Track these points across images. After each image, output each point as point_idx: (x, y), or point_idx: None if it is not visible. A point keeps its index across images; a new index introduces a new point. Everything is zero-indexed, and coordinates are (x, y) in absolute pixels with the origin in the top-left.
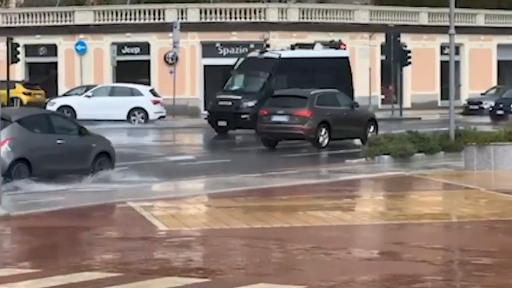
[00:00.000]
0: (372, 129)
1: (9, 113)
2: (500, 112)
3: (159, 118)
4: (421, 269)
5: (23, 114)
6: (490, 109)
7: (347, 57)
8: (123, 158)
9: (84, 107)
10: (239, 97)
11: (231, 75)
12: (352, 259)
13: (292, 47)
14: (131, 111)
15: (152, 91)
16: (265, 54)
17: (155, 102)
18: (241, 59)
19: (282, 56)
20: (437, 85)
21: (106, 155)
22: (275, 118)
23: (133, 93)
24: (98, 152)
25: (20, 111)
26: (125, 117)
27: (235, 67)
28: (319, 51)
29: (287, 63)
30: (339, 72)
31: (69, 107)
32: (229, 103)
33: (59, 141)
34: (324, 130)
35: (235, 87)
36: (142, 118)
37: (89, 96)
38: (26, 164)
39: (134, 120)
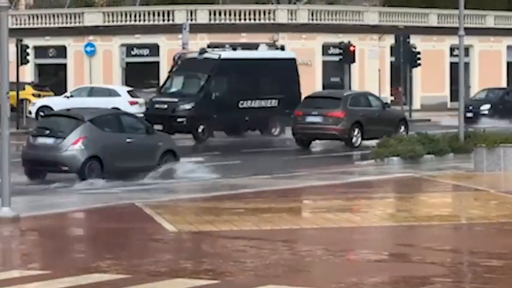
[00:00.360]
0: (402, 129)
1: (82, 113)
2: (469, 115)
3: None
4: (431, 270)
5: (95, 114)
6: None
7: (294, 59)
8: None
9: (63, 108)
10: (175, 100)
11: (169, 77)
12: (361, 261)
13: (234, 48)
14: None
15: (131, 92)
16: (205, 55)
17: (132, 103)
18: (181, 60)
19: (222, 56)
20: (446, 87)
21: (172, 153)
22: (309, 119)
23: (111, 93)
24: (164, 150)
25: (92, 111)
26: None
27: (174, 68)
28: (263, 52)
29: (228, 65)
30: (285, 74)
31: (48, 107)
32: (165, 106)
33: (128, 140)
34: (357, 130)
35: (172, 90)
36: None
37: (68, 97)
38: (98, 162)
39: None
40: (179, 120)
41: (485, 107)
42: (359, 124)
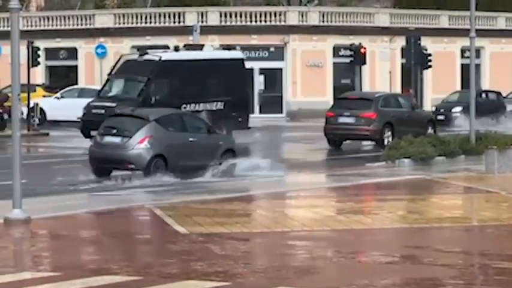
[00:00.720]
0: (430, 129)
1: (148, 112)
2: (441, 117)
3: None
4: (442, 273)
5: (159, 114)
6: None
7: (242, 59)
8: None
9: (54, 108)
10: (113, 104)
11: (108, 80)
12: (372, 263)
13: (176, 49)
14: None
15: None
16: (145, 57)
17: None
18: (121, 61)
19: (163, 58)
20: (457, 88)
21: (231, 152)
22: (341, 119)
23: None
24: (224, 149)
25: (157, 111)
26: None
27: (114, 70)
28: (208, 53)
29: (169, 67)
30: (232, 75)
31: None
32: (102, 111)
33: (190, 139)
34: (387, 131)
35: (111, 93)
36: None
37: (58, 98)
38: (162, 160)
39: None
40: None
41: (457, 109)
42: (390, 125)
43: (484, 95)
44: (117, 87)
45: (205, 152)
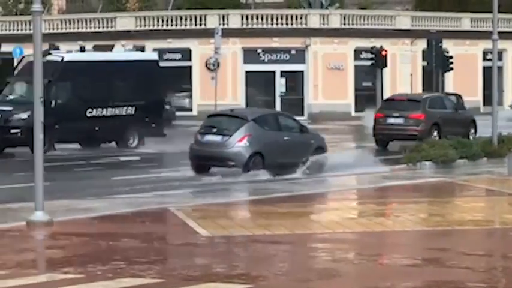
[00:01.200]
0: (472, 129)
1: (246, 113)
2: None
3: None
4: (465, 275)
5: (257, 114)
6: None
7: (156, 61)
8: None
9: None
10: (10, 108)
11: (8, 82)
12: (394, 265)
13: (82, 49)
14: None
15: None
16: (48, 57)
17: None
18: (23, 62)
19: (66, 59)
20: (479, 91)
21: (322, 150)
22: (390, 120)
23: None
24: (315, 148)
25: (254, 112)
26: None
27: (15, 72)
28: (118, 54)
29: (73, 68)
30: (145, 78)
31: None
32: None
33: (285, 138)
34: (435, 131)
35: (11, 97)
36: None
37: None
38: (260, 157)
39: None
40: (13, 131)
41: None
42: (437, 125)
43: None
44: (17, 90)
45: (298, 149)
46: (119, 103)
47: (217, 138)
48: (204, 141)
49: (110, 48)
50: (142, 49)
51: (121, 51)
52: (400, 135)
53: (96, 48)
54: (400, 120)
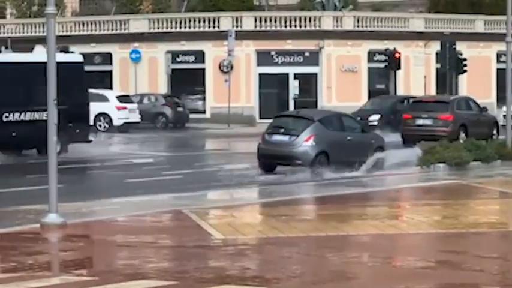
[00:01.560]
0: (494, 131)
1: (312, 114)
2: None
3: (123, 124)
4: (479, 278)
5: (322, 115)
6: None
7: (81, 63)
8: (175, 166)
9: None
10: None
11: None
12: (408, 268)
13: None
14: (97, 117)
15: (120, 97)
16: None
17: (119, 108)
18: None
19: None
20: (493, 93)
21: (381, 150)
22: (419, 121)
23: (100, 98)
24: (376, 147)
25: (319, 113)
26: (91, 122)
27: None
28: (37, 56)
29: None
30: (68, 81)
31: None
32: None
33: (348, 138)
34: (462, 132)
35: None
36: (107, 123)
37: None
38: (325, 156)
39: (100, 125)
40: None
41: (374, 118)
42: (464, 126)
43: (406, 102)
44: None
45: (360, 148)
46: (38, 107)
47: (284, 138)
48: (272, 141)
49: (30, 49)
50: (66, 50)
51: (42, 53)
52: (429, 135)
53: (16, 49)
54: (429, 121)
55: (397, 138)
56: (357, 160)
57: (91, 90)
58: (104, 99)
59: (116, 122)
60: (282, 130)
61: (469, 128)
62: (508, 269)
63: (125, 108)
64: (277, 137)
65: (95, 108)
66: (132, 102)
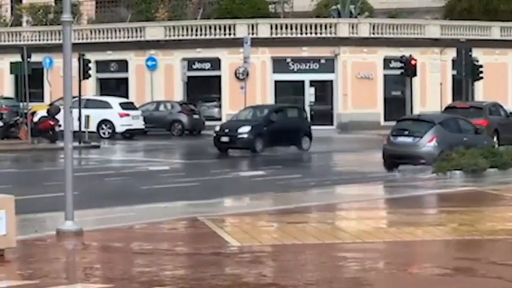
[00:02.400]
0: None
1: (433, 117)
2: (225, 139)
3: (126, 131)
4: (496, 285)
5: (441, 118)
6: (214, 136)
7: None
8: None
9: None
10: None
11: None
12: (424, 275)
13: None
14: (100, 124)
15: (124, 104)
16: None
17: (122, 115)
18: None
19: None
20: (509, 100)
21: None
22: None
23: (103, 105)
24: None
25: (439, 116)
26: (95, 129)
27: None
28: None
29: None
30: None
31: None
32: None
33: (464, 139)
34: (495, 137)
35: None
36: (110, 130)
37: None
38: None
39: (104, 132)
40: None
41: (244, 130)
42: (496, 131)
43: (281, 112)
44: None
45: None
46: None
47: (409, 139)
48: (397, 142)
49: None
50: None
51: None
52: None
53: None
54: None
55: (270, 152)
56: None
57: (94, 97)
58: (107, 106)
59: (119, 129)
60: (406, 132)
61: (501, 133)
62: None
63: (127, 115)
64: (401, 139)
65: (98, 115)
66: (135, 108)
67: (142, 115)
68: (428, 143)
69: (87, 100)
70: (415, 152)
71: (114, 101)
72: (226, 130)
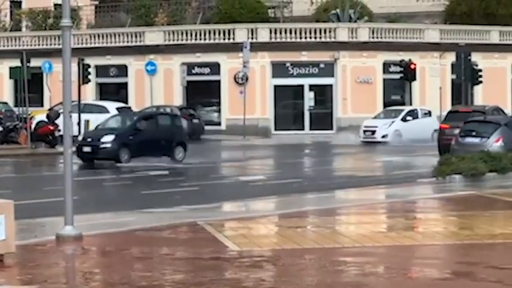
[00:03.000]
0: None
1: (498, 119)
2: (87, 149)
3: None
4: None
5: (506, 120)
6: (77, 145)
7: None
8: (192, 178)
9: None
10: None
11: None
12: (424, 279)
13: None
14: None
15: (121, 109)
16: None
17: None
18: None
19: None
20: (508, 104)
21: None
22: (457, 131)
23: (100, 110)
24: None
25: (504, 118)
26: None
27: None
28: None
29: None
30: None
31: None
32: None
33: None
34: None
35: None
36: None
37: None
38: None
39: None
40: None
41: (107, 139)
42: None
43: (151, 119)
44: None
45: None
46: None
47: (476, 140)
48: (465, 143)
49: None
50: None
51: None
52: None
53: None
54: None
55: (141, 163)
56: None
57: (91, 102)
58: (104, 110)
59: None
60: (474, 133)
61: None
62: None
63: None
64: (469, 139)
65: (95, 119)
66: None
67: None
68: (494, 143)
69: (84, 105)
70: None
71: (111, 106)
72: (89, 139)
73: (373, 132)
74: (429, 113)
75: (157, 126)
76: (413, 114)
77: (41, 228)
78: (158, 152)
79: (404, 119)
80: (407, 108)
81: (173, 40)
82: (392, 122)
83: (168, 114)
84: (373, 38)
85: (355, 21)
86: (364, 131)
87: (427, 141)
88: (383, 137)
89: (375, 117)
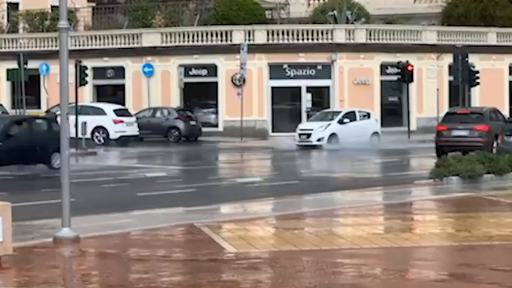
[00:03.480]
0: None
1: None
2: None
3: (119, 137)
4: None
5: None
6: None
7: None
8: (191, 180)
9: None
10: None
11: None
12: (421, 281)
13: None
14: (94, 130)
15: (118, 111)
16: None
17: (117, 122)
18: None
19: None
20: (506, 105)
21: None
22: (455, 133)
23: (97, 112)
24: None
25: None
26: (89, 136)
27: None
28: None
29: None
30: None
31: None
32: None
33: None
34: (495, 142)
35: None
36: (104, 136)
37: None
38: None
39: (98, 139)
40: None
41: None
42: (497, 137)
43: (25, 123)
44: None
45: None
46: None
47: None
48: (510, 141)
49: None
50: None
51: None
52: (465, 146)
53: None
54: (464, 133)
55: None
56: None
57: (89, 104)
58: (101, 112)
59: (113, 136)
60: None
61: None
62: None
63: (121, 121)
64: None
65: (92, 121)
66: (129, 115)
67: (138, 121)
68: None
69: (81, 107)
70: None
71: (108, 108)
72: None
73: (309, 135)
74: (368, 115)
75: (32, 131)
76: (350, 116)
77: (39, 230)
78: (33, 159)
79: (341, 122)
80: (344, 110)
81: (170, 42)
82: (329, 124)
83: (45, 118)
84: (370, 39)
85: (353, 23)
86: (300, 135)
87: (364, 144)
88: (318, 140)
89: (311, 120)
